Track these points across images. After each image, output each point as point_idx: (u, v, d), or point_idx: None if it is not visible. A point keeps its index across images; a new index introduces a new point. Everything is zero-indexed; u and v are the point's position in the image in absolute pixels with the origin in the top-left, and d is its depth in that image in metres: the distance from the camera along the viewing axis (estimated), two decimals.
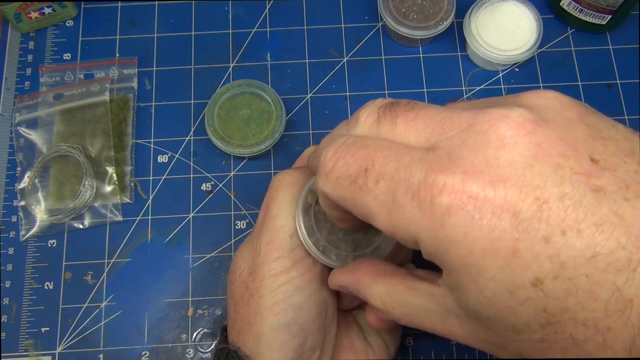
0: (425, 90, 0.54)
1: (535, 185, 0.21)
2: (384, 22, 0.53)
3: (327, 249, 0.35)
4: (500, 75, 0.54)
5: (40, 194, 0.51)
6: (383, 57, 0.55)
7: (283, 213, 0.35)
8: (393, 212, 0.24)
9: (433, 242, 0.23)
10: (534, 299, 0.21)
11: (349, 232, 0.35)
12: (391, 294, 0.29)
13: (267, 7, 0.57)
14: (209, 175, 0.52)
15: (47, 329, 0.47)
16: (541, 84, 0.54)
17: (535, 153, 0.21)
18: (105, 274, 0.49)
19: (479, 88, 0.54)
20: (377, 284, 0.30)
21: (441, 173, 0.22)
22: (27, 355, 0.47)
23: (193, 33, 0.56)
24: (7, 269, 0.49)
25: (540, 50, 0.55)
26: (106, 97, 0.53)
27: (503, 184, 0.21)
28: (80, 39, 0.56)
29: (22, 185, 0.51)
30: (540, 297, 0.21)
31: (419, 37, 0.52)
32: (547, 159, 0.21)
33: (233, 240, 0.50)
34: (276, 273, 0.34)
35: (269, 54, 0.55)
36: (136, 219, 0.50)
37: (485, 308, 0.23)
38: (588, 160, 0.21)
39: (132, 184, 0.51)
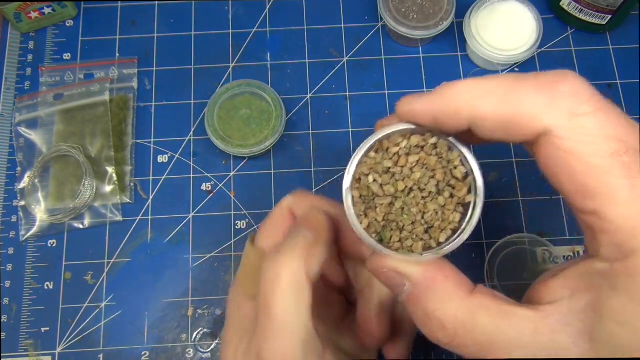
0: (425, 90, 0.54)
1: None
2: (384, 22, 0.53)
3: (385, 232, 0.28)
4: None
5: (40, 194, 0.51)
6: (383, 57, 0.55)
7: (290, 312, 0.28)
8: None
9: None
10: None
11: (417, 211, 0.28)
12: (475, 317, 0.24)
13: (267, 7, 0.57)
14: (209, 175, 0.52)
15: (47, 329, 0.47)
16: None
17: None
18: (105, 274, 0.49)
19: None
20: (458, 301, 0.25)
21: None
22: (27, 355, 0.47)
23: (193, 33, 0.56)
24: (7, 269, 0.49)
25: (540, 50, 0.55)
26: (106, 97, 0.53)
27: None
28: (80, 39, 0.56)
29: (22, 185, 0.51)
30: None
31: (419, 37, 0.52)
32: None
33: (233, 240, 0.50)
34: None
35: (269, 54, 0.55)
36: (136, 219, 0.50)
37: None
38: None
39: (132, 184, 0.51)
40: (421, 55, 0.55)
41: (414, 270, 0.27)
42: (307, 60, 0.55)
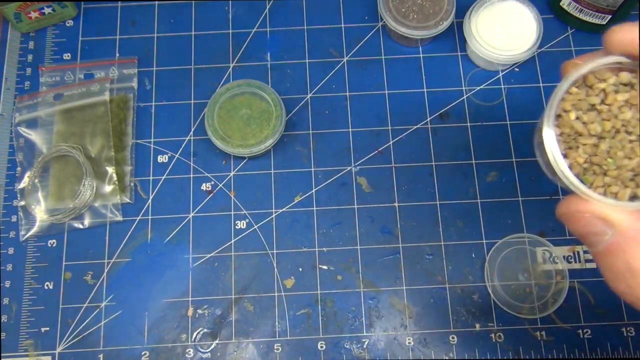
0: (425, 90, 0.54)
1: None
2: (384, 22, 0.53)
3: (588, 175, 0.26)
4: (501, 75, 0.54)
5: (40, 194, 0.51)
6: (383, 57, 0.55)
7: None
8: None
9: None
10: None
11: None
12: None
13: (267, 7, 0.57)
14: (209, 175, 0.52)
15: (47, 329, 0.47)
16: (541, 84, 0.54)
17: None
18: (105, 274, 0.49)
19: (479, 88, 0.54)
20: None
21: None
22: (27, 355, 0.47)
23: (193, 33, 0.56)
24: (7, 269, 0.49)
25: (540, 50, 0.55)
26: (106, 97, 0.53)
27: None
28: (80, 39, 0.56)
29: (22, 185, 0.51)
30: None
31: (419, 37, 0.52)
32: None
33: (233, 240, 0.50)
34: None
35: (269, 54, 0.55)
36: (136, 219, 0.50)
37: None
38: None
39: (132, 184, 0.51)
40: (421, 55, 0.55)
41: (622, 217, 0.24)
42: (307, 60, 0.55)
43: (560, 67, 0.29)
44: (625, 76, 0.26)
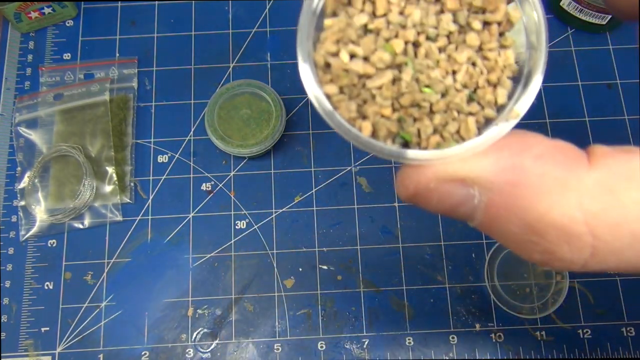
0: None
1: None
2: None
3: (407, 127, 0.18)
4: None
5: (40, 194, 0.51)
6: None
7: None
8: None
9: None
10: None
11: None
12: (620, 198, 0.15)
13: (267, 7, 0.57)
14: (209, 175, 0.52)
15: (47, 329, 0.47)
16: (541, 84, 0.54)
17: None
18: (105, 274, 0.49)
19: None
20: (576, 183, 0.16)
21: None
22: (27, 355, 0.47)
23: (193, 33, 0.56)
24: (7, 269, 0.49)
25: None
26: (106, 97, 0.53)
27: None
28: (80, 39, 0.56)
29: (22, 185, 0.51)
30: None
31: None
32: None
33: (233, 240, 0.50)
34: None
35: (269, 54, 0.55)
36: (136, 219, 0.50)
37: None
38: None
39: (132, 184, 0.51)
40: None
41: (481, 167, 0.17)
42: None
43: None
44: None
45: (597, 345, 0.47)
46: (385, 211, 0.50)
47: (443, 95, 0.18)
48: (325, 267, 0.49)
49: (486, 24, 0.18)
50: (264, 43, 0.56)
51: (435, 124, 0.18)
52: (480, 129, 0.18)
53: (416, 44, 0.18)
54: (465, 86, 0.18)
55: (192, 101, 0.54)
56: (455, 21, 0.18)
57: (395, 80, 0.17)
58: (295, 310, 0.48)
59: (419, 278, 0.49)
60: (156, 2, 0.57)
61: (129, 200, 0.51)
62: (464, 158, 0.17)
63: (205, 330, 0.48)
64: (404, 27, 0.17)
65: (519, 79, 0.18)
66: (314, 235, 0.50)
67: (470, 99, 0.18)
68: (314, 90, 0.18)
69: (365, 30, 0.18)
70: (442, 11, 0.18)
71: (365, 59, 0.17)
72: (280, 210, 0.51)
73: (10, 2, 0.52)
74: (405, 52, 0.17)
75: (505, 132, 0.17)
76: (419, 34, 0.17)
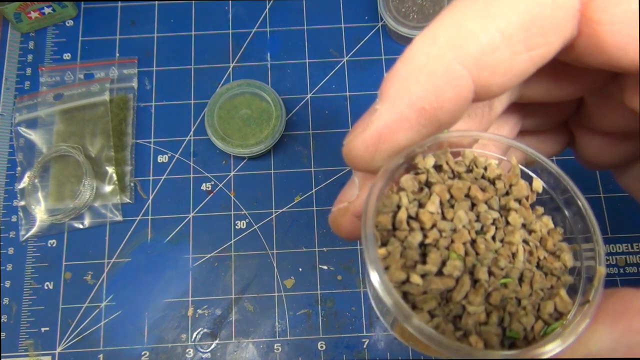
0: None
1: None
2: (384, 22, 0.53)
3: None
4: None
5: (40, 194, 0.51)
6: (383, 57, 0.55)
7: None
8: None
9: None
10: None
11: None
12: None
13: (267, 7, 0.57)
14: (209, 175, 0.52)
15: (47, 329, 0.47)
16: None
17: None
18: (105, 274, 0.49)
19: None
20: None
21: None
22: (27, 355, 0.47)
23: (193, 33, 0.56)
24: (7, 269, 0.49)
25: None
26: (106, 97, 0.53)
27: None
28: (80, 39, 0.56)
29: (22, 185, 0.51)
30: None
31: None
32: None
33: (233, 240, 0.50)
34: None
35: (269, 54, 0.55)
36: (136, 219, 0.50)
37: None
38: None
39: (132, 184, 0.51)
40: None
41: (600, 341, 0.17)
42: (307, 60, 0.55)
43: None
44: (408, 183, 0.19)
45: None
46: None
47: (520, 280, 0.18)
48: (325, 267, 0.49)
49: (517, 201, 0.19)
50: (264, 43, 0.56)
51: (529, 310, 0.18)
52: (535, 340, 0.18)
53: (473, 242, 0.18)
54: (530, 264, 0.18)
55: (192, 101, 0.54)
56: (491, 208, 0.19)
57: (475, 284, 0.18)
58: (295, 310, 0.48)
59: None
60: (156, 2, 0.57)
61: (129, 200, 0.51)
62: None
63: (205, 330, 0.48)
64: (454, 230, 0.18)
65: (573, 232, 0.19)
66: (314, 235, 0.50)
67: (544, 273, 0.19)
68: (414, 326, 0.17)
69: (423, 243, 0.18)
70: (473, 204, 0.19)
71: (439, 273, 0.18)
72: (280, 210, 0.51)
73: (10, 2, 0.52)
74: (467, 254, 0.18)
75: (597, 305, 0.17)
76: (469, 231, 0.18)
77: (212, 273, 0.49)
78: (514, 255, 0.18)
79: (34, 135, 0.52)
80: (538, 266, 0.19)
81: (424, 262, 0.18)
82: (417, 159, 0.19)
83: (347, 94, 0.54)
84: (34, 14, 0.54)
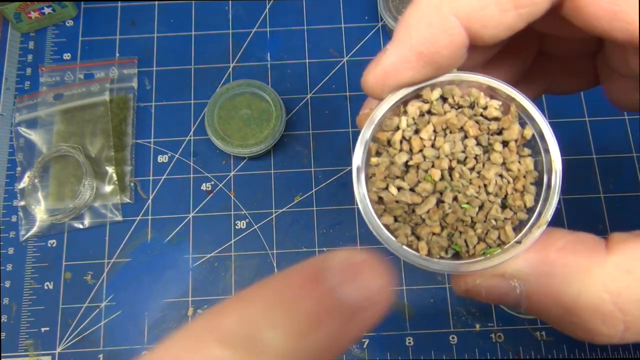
0: None
1: None
2: (384, 22, 0.53)
3: (457, 240, 0.22)
4: None
5: (40, 194, 0.51)
6: None
7: None
8: None
9: None
10: None
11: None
12: (633, 269, 0.18)
13: (267, 7, 0.57)
14: (209, 175, 0.52)
15: (47, 329, 0.47)
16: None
17: None
18: (105, 274, 0.49)
19: None
20: (599, 269, 0.18)
21: None
22: (27, 355, 0.47)
23: (193, 33, 0.56)
24: (7, 269, 0.49)
25: None
26: (106, 97, 0.53)
27: None
28: (80, 39, 0.56)
29: (22, 185, 0.51)
30: None
31: None
32: None
33: (233, 240, 0.50)
34: None
35: (269, 54, 0.55)
36: (136, 219, 0.50)
37: None
38: None
39: (132, 184, 0.51)
40: None
41: (517, 265, 0.20)
42: (307, 60, 0.55)
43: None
44: (414, 108, 0.22)
45: (597, 345, 0.47)
46: None
47: (480, 208, 0.21)
48: None
49: (505, 143, 0.21)
50: (264, 43, 0.56)
51: (478, 233, 0.21)
52: (516, 229, 0.21)
53: (450, 169, 0.21)
54: (497, 194, 0.21)
55: (192, 101, 0.54)
56: (478, 144, 0.21)
57: (439, 203, 0.21)
58: None
59: (419, 278, 0.49)
60: (156, 2, 0.57)
61: (129, 200, 0.51)
62: (506, 261, 0.20)
63: None
64: (437, 157, 0.21)
65: (541, 181, 0.21)
66: (314, 235, 0.50)
67: (503, 207, 0.21)
68: (373, 222, 0.22)
69: (407, 166, 0.22)
70: (466, 137, 0.21)
71: (412, 190, 0.21)
72: (280, 210, 0.51)
73: (10, 2, 0.52)
74: (442, 178, 0.21)
75: (538, 237, 0.20)
76: (450, 160, 0.21)
77: (212, 273, 0.49)
78: (486, 186, 0.21)
79: (34, 135, 0.52)
80: (505, 199, 0.21)
81: (403, 179, 0.22)
82: (424, 90, 0.22)
83: (347, 94, 0.54)
84: (34, 14, 0.54)
